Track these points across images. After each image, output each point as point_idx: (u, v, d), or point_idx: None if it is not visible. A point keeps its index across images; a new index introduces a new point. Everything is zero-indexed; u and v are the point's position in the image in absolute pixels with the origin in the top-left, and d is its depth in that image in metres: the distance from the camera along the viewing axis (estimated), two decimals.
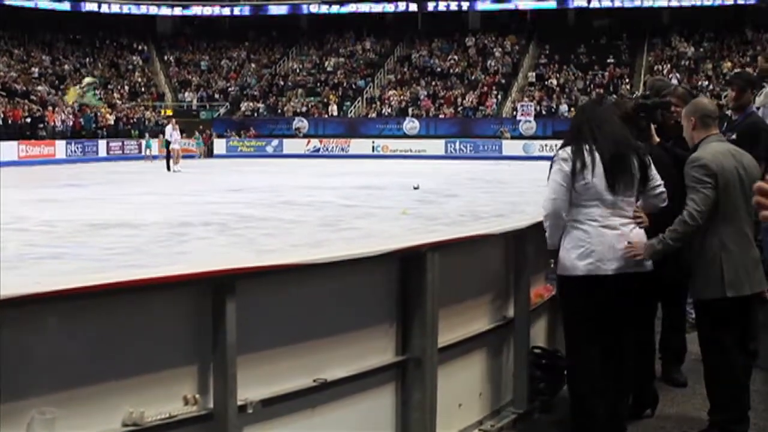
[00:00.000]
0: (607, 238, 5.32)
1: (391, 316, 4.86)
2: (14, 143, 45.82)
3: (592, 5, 63.27)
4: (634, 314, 5.62)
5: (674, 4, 62.22)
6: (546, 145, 52.47)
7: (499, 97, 58.77)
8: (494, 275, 5.93)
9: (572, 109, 55.94)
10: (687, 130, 5.90)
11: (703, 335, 5.92)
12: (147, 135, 47.56)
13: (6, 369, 3.25)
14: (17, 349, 3.31)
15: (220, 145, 57.23)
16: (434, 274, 4.85)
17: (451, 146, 54.72)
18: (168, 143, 40.90)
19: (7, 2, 61.39)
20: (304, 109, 59.94)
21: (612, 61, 60.36)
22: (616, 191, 5.32)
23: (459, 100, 58.61)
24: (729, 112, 8.28)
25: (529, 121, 55.00)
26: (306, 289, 4.36)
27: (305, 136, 57.30)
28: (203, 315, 3.85)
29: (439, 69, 62.52)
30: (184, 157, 43.54)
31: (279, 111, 60.43)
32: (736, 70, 25.01)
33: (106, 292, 3.50)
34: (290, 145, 56.39)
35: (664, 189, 5.54)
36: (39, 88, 56.28)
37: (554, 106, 56.74)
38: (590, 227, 5.32)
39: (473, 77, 60.97)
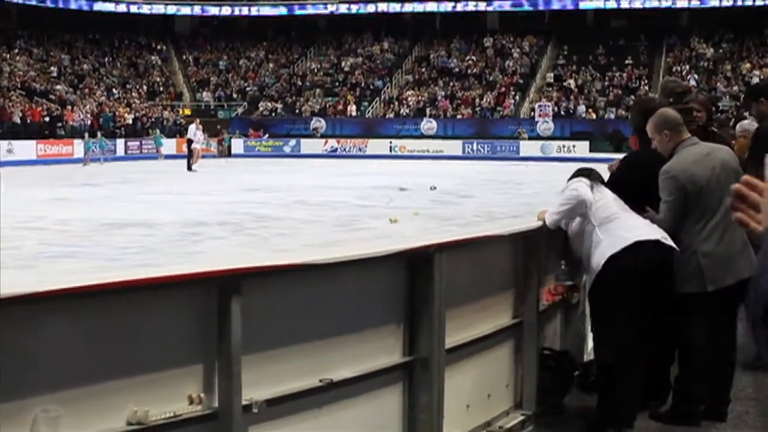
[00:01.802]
0: None
1: (398, 317, 4.86)
2: (33, 142, 45.99)
3: (609, 6, 63.05)
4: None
5: (693, 4, 61.95)
6: (564, 146, 52.44)
7: (517, 97, 58.69)
8: (503, 276, 5.92)
9: (590, 110, 55.89)
10: (662, 144, 6.13)
11: (681, 327, 6.18)
12: (158, 131, 47.33)
13: (10, 367, 3.26)
14: (22, 347, 3.32)
15: (237, 145, 57.27)
16: (442, 275, 4.84)
17: (468, 147, 54.64)
18: (191, 142, 40.86)
19: (26, 2, 61.58)
20: (321, 109, 59.98)
21: (630, 62, 60.17)
22: None
23: (477, 100, 58.54)
24: None
25: (547, 122, 54.90)
26: (313, 288, 4.36)
27: (323, 136, 57.31)
28: (209, 314, 3.86)
29: (457, 69, 62.46)
30: (204, 156, 43.53)
31: (297, 111, 60.47)
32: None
33: (111, 290, 3.51)
34: (308, 145, 56.39)
35: None
36: (58, 87, 56.45)
37: (572, 107, 56.61)
38: None
39: (491, 78, 60.89)
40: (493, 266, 5.86)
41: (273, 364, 4.15)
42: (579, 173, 6.12)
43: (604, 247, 5.70)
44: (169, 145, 54.12)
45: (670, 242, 5.72)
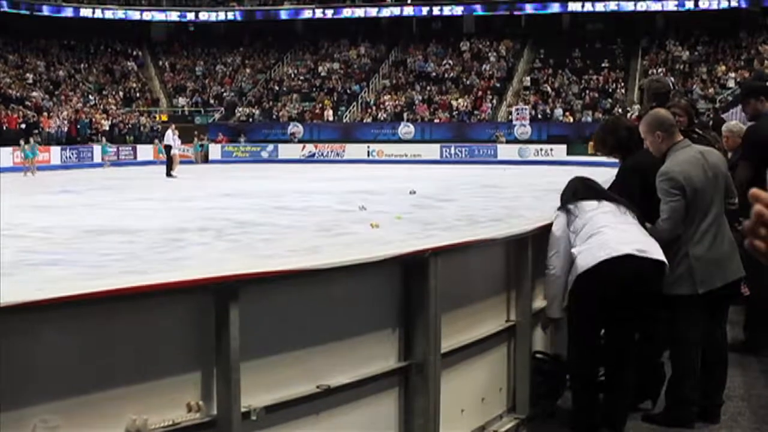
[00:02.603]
0: None
1: (393, 322, 4.84)
2: (9, 149, 45.80)
3: (586, 9, 63.28)
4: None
5: (669, 8, 62.25)
6: (541, 150, 52.69)
7: (494, 101, 58.90)
8: (496, 280, 5.92)
9: (567, 113, 56.07)
10: (654, 144, 6.19)
11: (672, 329, 6.22)
12: (104, 139, 46.93)
13: (8, 377, 3.23)
14: (18, 356, 3.28)
15: (215, 151, 57.27)
16: (437, 279, 4.83)
17: (446, 151, 54.79)
18: (169, 148, 40.71)
19: (2, 9, 61.33)
20: (299, 114, 59.98)
21: (606, 65, 60.51)
22: None
23: (454, 104, 58.67)
24: None
25: (524, 126, 55.08)
26: (308, 294, 4.34)
27: (300, 141, 57.37)
28: (206, 321, 3.83)
29: (434, 74, 62.63)
30: (182, 162, 43.41)
31: (274, 116, 60.48)
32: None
33: (108, 298, 3.47)
34: (285, 150, 56.46)
35: None
36: (34, 94, 56.29)
37: (549, 111, 56.84)
38: None
39: (468, 82, 61.05)
40: (487, 270, 5.86)
41: (271, 371, 4.13)
42: (566, 192, 6.18)
43: (575, 266, 5.74)
44: (146, 151, 54.08)
45: (648, 253, 5.67)
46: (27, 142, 44.23)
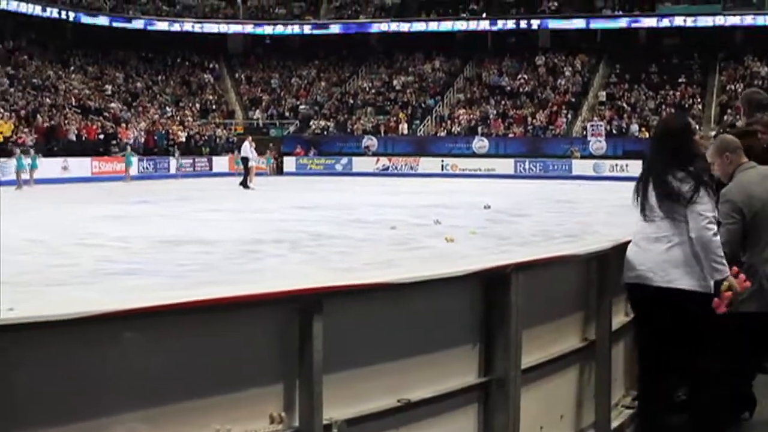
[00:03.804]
0: None
1: (474, 337, 4.83)
2: (88, 159, 46.46)
3: (662, 24, 62.68)
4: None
5: (747, 23, 61.44)
6: (616, 165, 52.16)
7: (569, 116, 58.52)
8: (576, 296, 5.88)
9: (643, 128, 55.54)
10: (722, 167, 6.25)
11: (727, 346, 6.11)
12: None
13: (93, 385, 3.27)
14: (104, 365, 3.32)
15: (289, 163, 57.61)
16: (518, 295, 4.81)
17: (520, 165, 54.57)
18: (246, 160, 40.94)
19: (82, 21, 62.29)
20: (373, 127, 60.13)
21: (683, 80, 59.81)
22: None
23: (529, 119, 58.43)
24: None
25: (600, 141, 54.66)
26: (391, 308, 4.34)
27: (374, 154, 57.46)
28: (290, 333, 3.85)
29: (508, 88, 62.40)
30: (256, 174, 43.69)
31: (348, 129, 60.67)
32: None
33: (193, 309, 3.51)
34: (359, 163, 56.61)
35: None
36: (112, 105, 57.01)
37: (625, 126, 56.33)
38: None
39: (543, 96, 60.77)
40: (567, 287, 5.82)
41: (352, 384, 4.14)
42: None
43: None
44: (221, 162, 54.58)
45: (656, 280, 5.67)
46: (123, 150, 45.30)
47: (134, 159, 45.74)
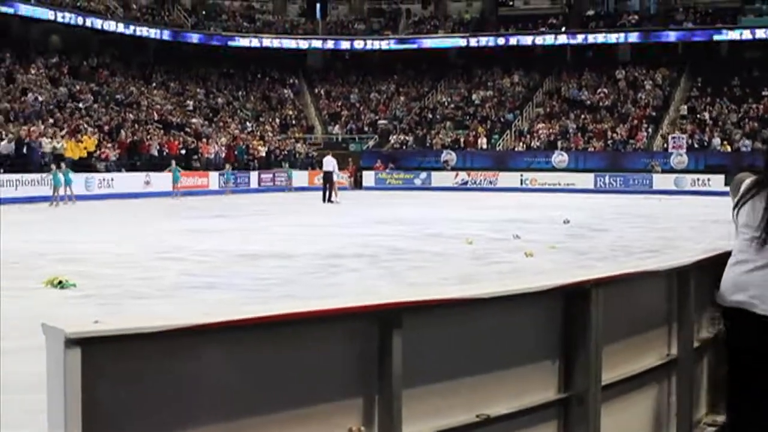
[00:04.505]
0: None
1: (553, 353, 4.80)
2: (169, 174, 47.03)
3: (744, 37, 61.88)
4: None
5: None
6: (698, 180, 51.63)
7: (650, 130, 58.01)
8: (657, 312, 5.81)
9: (725, 142, 54.87)
10: None
11: None
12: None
13: (174, 398, 3.31)
14: (185, 378, 3.35)
15: (368, 178, 57.82)
16: (598, 310, 4.78)
17: (600, 180, 54.20)
18: (329, 174, 41.11)
19: (164, 38, 63.13)
20: (452, 141, 60.12)
21: (766, 93, 58.94)
22: None
23: (609, 133, 58.02)
24: None
25: (681, 155, 54.09)
26: (470, 323, 4.33)
27: (453, 168, 57.45)
28: (369, 347, 3.86)
29: (588, 102, 62.05)
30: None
31: (427, 144, 60.73)
32: None
33: (274, 323, 3.53)
34: (438, 177, 56.65)
35: None
36: (193, 120, 57.70)
37: (707, 140, 55.66)
38: None
39: (623, 110, 60.32)
40: (648, 302, 5.76)
41: (431, 399, 4.14)
42: None
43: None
44: (301, 177, 54.93)
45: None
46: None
47: (180, 174, 45.28)
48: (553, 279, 4.80)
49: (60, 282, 12.89)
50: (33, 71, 52.34)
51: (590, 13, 67.54)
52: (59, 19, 55.61)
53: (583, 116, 60.52)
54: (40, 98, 48.54)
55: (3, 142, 41.03)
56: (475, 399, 4.33)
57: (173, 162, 45.16)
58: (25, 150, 41.49)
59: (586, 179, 54.08)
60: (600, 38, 64.73)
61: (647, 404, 5.68)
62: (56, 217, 29.43)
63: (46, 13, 54.69)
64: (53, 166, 37.04)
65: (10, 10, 52.87)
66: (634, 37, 64.43)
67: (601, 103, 61.62)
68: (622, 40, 64.97)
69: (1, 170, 38.80)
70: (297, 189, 52.25)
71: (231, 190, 46.67)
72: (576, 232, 23.57)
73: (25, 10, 53.61)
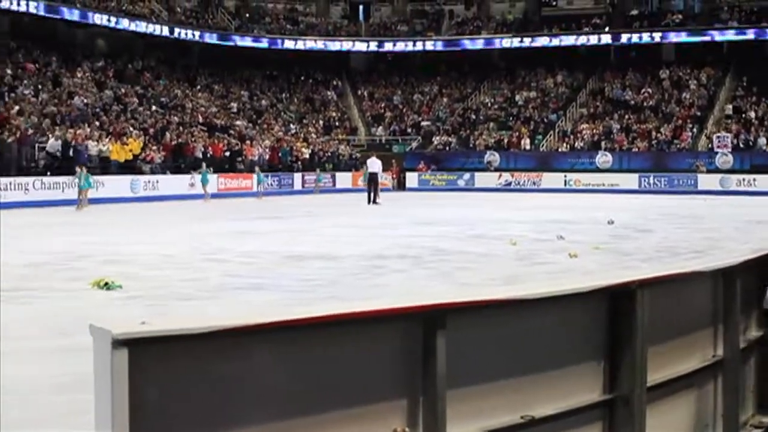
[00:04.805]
0: None
1: (598, 354, 4.79)
2: (214, 176, 47.27)
3: None
4: None
5: None
6: (744, 180, 51.19)
7: (695, 130, 57.57)
8: (703, 313, 5.79)
9: None
10: None
11: None
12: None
13: (221, 398, 3.33)
14: (232, 379, 3.38)
15: (412, 179, 57.86)
16: (644, 311, 4.77)
17: (644, 180, 53.89)
18: (375, 176, 41.13)
19: (208, 41, 63.43)
20: (495, 142, 59.99)
21: None
22: None
23: (653, 133, 57.64)
24: None
25: (726, 155, 53.66)
26: (513, 324, 4.34)
27: (497, 169, 57.36)
28: (413, 349, 3.88)
29: (632, 102, 61.70)
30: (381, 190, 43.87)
31: (471, 145, 60.65)
32: None
33: (319, 324, 3.56)
34: (482, 178, 56.59)
35: None
36: (237, 122, 57.94)
37: (752, 139, 55.18)
38: None
39: (667, 110, 59.91)
40: (694, 303, 5.73)
41: (475, 400, 4.15)
42: None
43: None
44: (344, 178, 55.05)
45: None
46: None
47: (210, 176, 44.61)
48: (597, 280, 4.80)
49: (106, 283, 12.99)
50: (79, 75, 52.75)
51: (634, 12, 67.11)
52: (104, 23, 56.04)
53: (627, 116, 60.17)
54: (86, 101, 48.95)
55: (50, 140, 41.44)
56: (520, 400, 4.33)
57: (203, 164, 44.81)
58: (71, 153, 41.85)
59: (630, 180, 53.79)
60: (644, 38, 64.31)
61: (693, 406, 5.65)
62: (101, 219, 29.64)
63: (92, 17, 55.14)
64: (77, 169, 36.65)
65: (56, 15, 53.33)
66: (678, 37, 63.95)
67: (645, 103, 61.24)
68: (666, 39, 64.50)
69: (48, 173, 39.09)
70: (340, 191, 52.28)
71: (263, 192, 46.32)
72: (620, 232, 23.44)
73: (70, 14, 54.07)
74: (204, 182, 43.11)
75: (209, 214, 32.02)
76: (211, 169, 45.05)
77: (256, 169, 48.76)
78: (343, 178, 55.79)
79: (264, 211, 34.06)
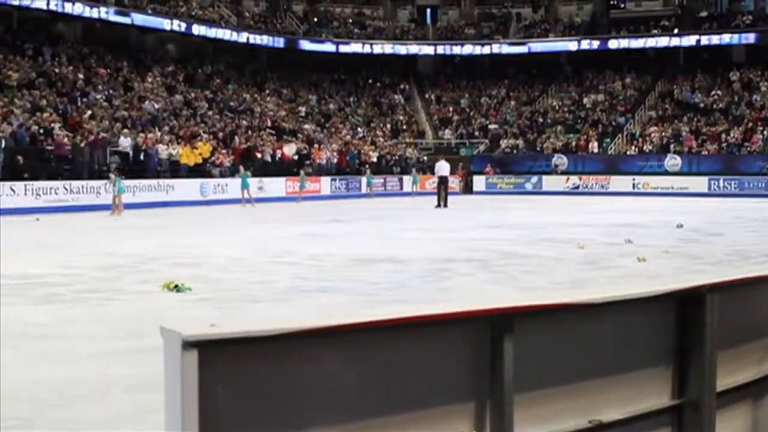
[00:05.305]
0: None
1: (666, 358, 4.76)
2: (282, 179, 47.53)
3: None
4: None
5: None
6: None
7: (765, 132, 56.81)
8: None
9: None
10: None
11: None
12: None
13: (290, 400, 3.37)
14: (301, 381, 3.41)
15: (479, 182, 57.76)
16: (713, 316, 4.73)
17: (714, 183, 53.29)
18: (444, 179, 41.12)
19: (277, 45, 63.80)
20: (563, 146, 59.70)
21: None
22: None
23: (723, 136, 57.00)
24: None
25: None
26: (581, 328, 4.33)
27: (564, 173, 57.04)
28: (480, 352, 3.88)
29: (701, 104, 61.04)
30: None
31: (538, 148, 60.40)
32: None
33: (386, 327, 3.58)
34: (549, 182, 56.34)
35: None
36: (306, 126, 58.24)
37: None
38: None
39: (738, 112, 59.19)
40: (765, 307, 5.66)
41: (543, 404, 4.14)
42: None
43: None
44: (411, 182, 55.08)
45: None
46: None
47: (250, 180, 42.91)
48: (666, 284, 4.76)
49: (176, 286, 13.12)
50: (149, 80, 53.36)
51: (703, 14, 66.37)
52: (174, 29, 56.63)
53: (696, 119, 59.56)
54: (156, 106, 49.49)
55: (121, 139, 41.98)
56: (588, 404, 4.32)
57: (241, 168, 43.90)
58: (142, 156, 42.37)
59: (700, 183, 53.24)
60: (714, 39, 63.59)
61: (764, 412, 5.59)
62: (171, 221, 29.94)
63: (162, 23, 55.76)
64: (111, 175, 36.16)
65: (128, 21, 53.99)
66: (749, 38, 63.14)
67: (714, 106, 60.57)
68: (736, 41, 63.71)
69: (123, 176, 39.52)
70: (407, 194, 52.22)
71: (302, 198, 46.02)
72: (690, 236, 23.22)
73: (141, 20, 54.71)
74: (244, 186, 41.69)
75: (276, 218, 32.19)
76: (250, 172, 43.86)
77: (301, 172, 48.21)
78: (410, 182, 55.81)
79: (332, 214, 34.18)
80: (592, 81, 67.30)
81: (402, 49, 69.01)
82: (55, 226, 27.66)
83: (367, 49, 67.70)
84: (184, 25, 56.99)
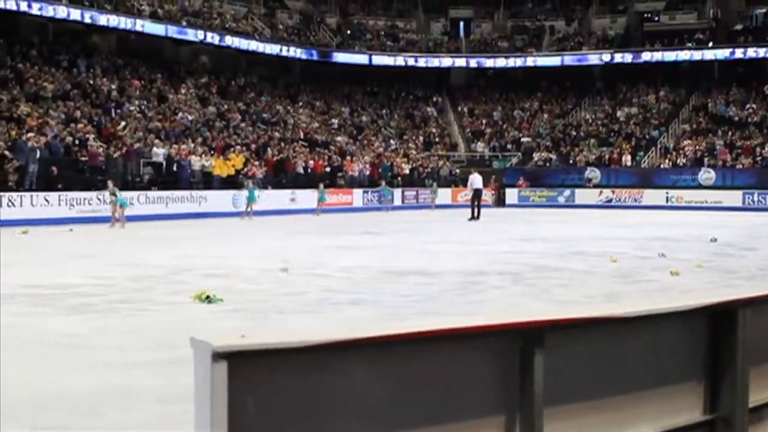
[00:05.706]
0: None
1: (699, 373, 4.74)
2: (315, 191, 47.62)
3: None
4: None
5: None
6: None
7: None
8: None
9: None
10: None
11: None
12: (249, 182, 42.72)
13: (320, 412, 3.37)
14: (331, 392, 3.41)
15: (512, 195, 57.64)
16: (746, 331, 4.70)
17: (749, 198, 52.92)
18: (479, 192, 41.03)
19: (310, 57, 63.93)
20: (596, 159, 59.47)
21: None
22: None
23: (758, 149, 56.64)
24: None
25: None
26: (612, 342, 4.31)
27: (597, 186, 56.83)
28: (511, 365, 3.87)
29: (736, 118, 60.67)
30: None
31: (571, 161, 60.21)
32: None
33: (415, 340, 3.57)
34: (582, 195, 56.12)
35: None
36: (338, 138, 58.31)
37: None
38: None
39: None
40: None
41: (573, 418, 4.13)
42: None
43: None
44: (444, 194, 54.97)
45: None
46: (243, 184, 42.79)
47: (258, 193, 41.45)
48: (699, 298, 4.74)
49: (207, 297, 13.15)
50: (183, 91, 53.60)
51: (738, 27, 66.01)
52: (208, 40, 56.87)
53: (730, 132, 59.21)
54: (189, 117, 49.72)
55: (154, 150, 42.17)
56: (619, 419, 4.30)
57: (249, 182, 42.59)
58: (175, 168, 42.56)
59: (734, 197, 52.87)
60: (749, 53, 63.19)
61: None
62: (203, 232, 30.04)
63: (196, 35, 55.99)
64: (109, 183, 34.89)
65: (161, 32, 54.27)
66: None
67: (749, 119, 60.19)
68: None
69: (153, 187, 39.69)
70: (440, 206, 52.14)
71: (320, 210, 44.90)
72: (723, 250, 23.08)
73: (175, 32, 54.97)
74: (251, 200, 40.45)
75: (308, 230, 32.24)
76: (258, 185, 42.91)
77: (320, 186, 46.77)
78: (443, 194, 55.70)
79: (363, 226, 34.18)
80: (626, 94, 67.03)
81: (435, 62, 68.98)
82: (89, 237, 27.80)
83: (400, 61, 67.72)
84: (217, 37, 57.22)
